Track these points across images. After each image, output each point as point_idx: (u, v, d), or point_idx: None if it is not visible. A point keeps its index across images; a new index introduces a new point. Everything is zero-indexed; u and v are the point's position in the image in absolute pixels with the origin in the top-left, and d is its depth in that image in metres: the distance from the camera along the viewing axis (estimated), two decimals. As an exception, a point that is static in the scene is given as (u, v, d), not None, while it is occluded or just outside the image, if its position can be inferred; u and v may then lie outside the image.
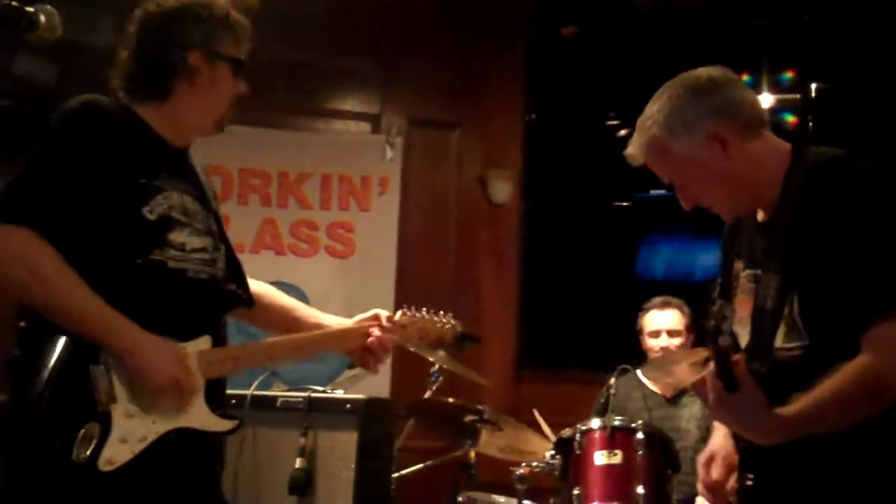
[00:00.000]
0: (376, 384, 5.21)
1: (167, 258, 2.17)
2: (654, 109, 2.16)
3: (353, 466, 3.29)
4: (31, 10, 1.83)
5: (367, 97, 6.05)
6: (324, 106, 6.04)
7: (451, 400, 4.08)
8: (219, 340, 2.26)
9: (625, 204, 6.25)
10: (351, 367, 5.20)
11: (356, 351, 2.52)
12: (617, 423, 3.66)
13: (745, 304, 2.12)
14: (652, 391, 4.44)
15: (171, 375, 2.08)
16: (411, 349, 2.77)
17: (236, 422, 2.24)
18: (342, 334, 2.50)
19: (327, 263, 5.54)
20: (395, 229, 5.68)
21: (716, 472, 2.30)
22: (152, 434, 2.10)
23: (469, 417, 3.89)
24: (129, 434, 2.05)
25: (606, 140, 6.39)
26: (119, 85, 2.29)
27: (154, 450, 2.09)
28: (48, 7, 1.86)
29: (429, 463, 4.12)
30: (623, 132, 6.42)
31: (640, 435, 3.57)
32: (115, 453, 2.03)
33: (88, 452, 1.99)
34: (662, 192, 6.12)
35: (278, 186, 5.46)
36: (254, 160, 5.36)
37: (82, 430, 2.00)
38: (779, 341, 1.96)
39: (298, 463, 3.29)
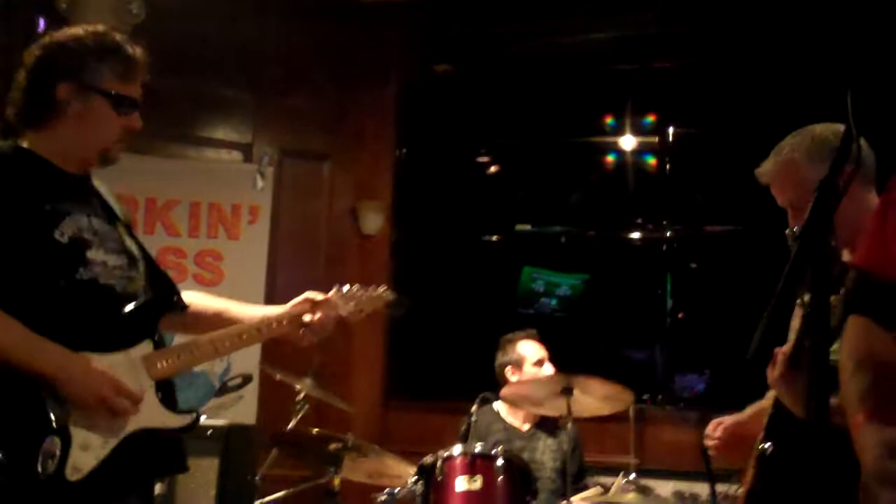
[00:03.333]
0: (242, 412, 5.16)
1: (96, 275, 2.25)
2: (796, 139, 2.42)
3: (213, 493, 3.25)
4: None
5: (240, 126, 6.02)
6: (195, 133, 5.98)
7: (314, 430, 4.06)
8: (159, 344, 2.35)
9: (493, 238, 6.35)
10: (217, 394, 5.17)
11: (295, 334, 2.60)
12: (477, 449, 3.72)
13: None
14: (510, 424, 4.51)
15: (98, 396, 2.12)
16: (352, 320, 2.79)
17: (192, 415, 2.31)
18: (280, 318, 2.55)
19: (194, 291, 5.45)
20: (264, 258, 5.65)
21: (718, 432, 2.76)
22: (108, 443, 2.15)
23: (333, 445, 3.89)
24: (89, 441, 2.10)
25: (476, 175, 6.51)
26: (11, 117, 2.37)
27: (120, 452, 2.15)
28: None
29: (291, 490, 4.09)
30: (493, 169, 6.55)
31: (500, 461, 3.64)
32: (80, 461, 2.08)
33: (54, 466, 2.03)
34: (528, 227, 6.33)
35: (145, 212, 5.37)
36: (121, 185, 5.23)
37: (42, 446, 2.04)
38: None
39: (158, 488, 3.23)
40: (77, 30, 2.38)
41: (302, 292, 5.99)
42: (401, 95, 6.26)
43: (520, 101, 6.30)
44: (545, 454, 4.38)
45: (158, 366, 2.27)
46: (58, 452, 2.04)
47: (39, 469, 2.00)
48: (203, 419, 3.71)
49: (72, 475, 2.05)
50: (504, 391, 4.31)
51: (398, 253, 6.16)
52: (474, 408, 4.22)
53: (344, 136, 6.12)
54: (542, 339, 4.60)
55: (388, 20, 6.07)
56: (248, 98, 6.01)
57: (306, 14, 5.89)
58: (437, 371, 6.00)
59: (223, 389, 5.08)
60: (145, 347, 2.27)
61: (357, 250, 6.04)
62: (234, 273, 5.54)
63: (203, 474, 3.32)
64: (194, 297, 2.60)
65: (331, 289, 6.01)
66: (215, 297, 2.67)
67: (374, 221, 6.02)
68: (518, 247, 6.35)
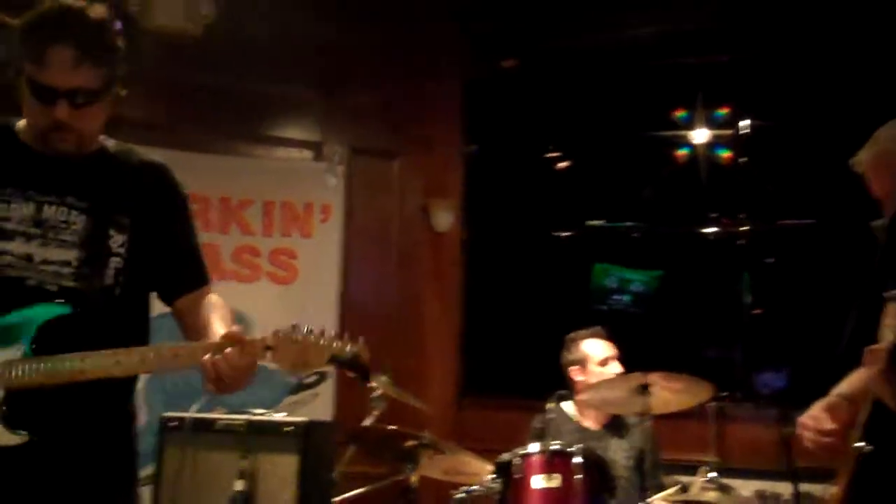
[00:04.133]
0: (318, 409, 5.21)
1: (3, 266, 2.16)
2: (893, 130, 2.43)
3: (293, 489, 3.28)
4: None
5: (310, 125, 6.07)
6: (267, 133, 6.04)
7: (391, 427, 4.08)
8: (51, 350, 2.11)
9: (565, 234, 6.32)
10: (293, 392, 5.22)
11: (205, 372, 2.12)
12: (555, 447, 3.70)
13: None
14: (581, 424, 4.47)
15: None
16: (288, 373, 2.32)
17: (24, 436, 2.08)
18: (192, 350, 2.12)
19: (269, 289, 5.53)
20: (337, 256, 5.69)
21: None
22: None
23: (410, 443, 3.90)
24: None
25: (546, 171, 6.48)
26: None
27: None
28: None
29: (370, 487, 4.12)
30: (563, 164, 6.51)
31: (577, 459, 3.62)
32: None
33: None
34: (600, 223, 6.28)
35: (220, 211, 5.44)
36: (195, 185, 5.31)
37: None
38: None
39: (238, 486, 3.26)
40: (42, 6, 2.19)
41: (375, 289, 6.08)
42: (469, 92, 6.26)
43: (589, 96, 6.25)
44: (617, 453, 4.34)
45: (12, 374, 2.09)
46: None
47: None
48: (281, 416, 3.76)
49: None
50: (579, 393, 4.29)
51: (469, 250, 6.16)
52: (550, 405, 4.20)
53: (413, 134, 6.14)
54: (614, 337, 4.55)
55: (455, 16, 6.07)
56: (318, 96, 6.06)
57: (375, 11, 5.91)
58: (509, 369, 5.99)
59: (299, 387, 5.13)
60: (14, 353, 2.10)
61: (429, 248, 6.06)
62: (308, 271, 5.59)
63: (283, 471, 3.35)
64: (208, 303, 2.37)
65: (404, 287, 6.03)
66: (228, 308, 2.37)
67: (445, 219, 6.03)
68: (590, 243, 6.30)
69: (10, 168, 2.23)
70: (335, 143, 5.96)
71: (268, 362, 2.06)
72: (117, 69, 2.23)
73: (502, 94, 6.37)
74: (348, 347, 2.10)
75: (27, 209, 2.20)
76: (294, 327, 2.08)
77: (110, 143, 2.38)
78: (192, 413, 3.47)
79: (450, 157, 6.22)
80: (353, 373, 2.12)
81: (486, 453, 4.07)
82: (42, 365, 2.09)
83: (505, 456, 3.73)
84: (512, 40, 6.33)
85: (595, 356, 4.45)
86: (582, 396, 4.31)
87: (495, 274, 6.19)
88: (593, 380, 4.37)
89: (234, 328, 2.13)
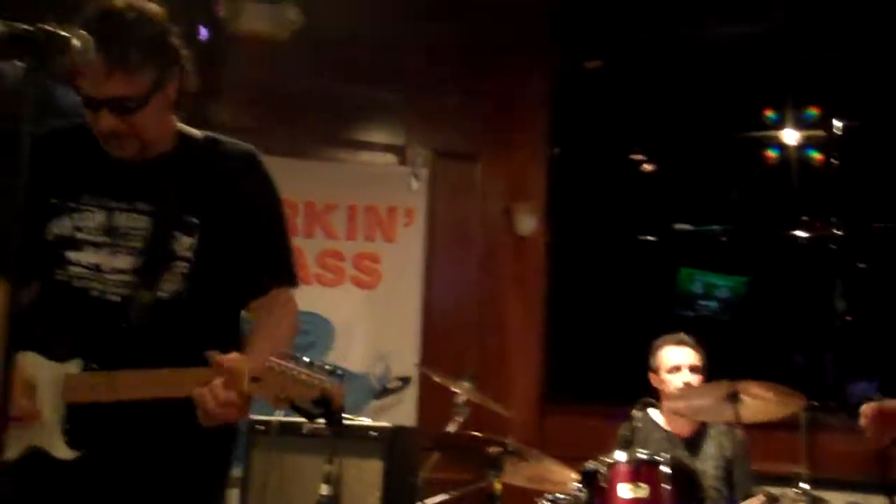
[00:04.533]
0: (402, 414, 5.23)
1: (71, 277, 2.14)
2: None
3: (377, 494, 3.29)
4: (66, 34, 1.80)
5: (393, 128, 6.10)
6: (350, 136, 6.09)
7: (474, 433, 4.07)
8: (110, 364, 2.08)
9: (650, 237, 6.24)
10: (377, 396, 5.25)
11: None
12: (642, 456, 3.65)
13: None
14: (669, 431, 4.40)
15: None
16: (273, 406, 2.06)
17: (77, 453, 2.07)
18: (177, 379, 2.01)
19: (353, 294, 5.56)
20: (420, 260, 5.70)
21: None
22: (19, 447, 2.09)
23: (493, 449, 3.89)
24: (9, 442, 2.04)
25: (632, 173, 6.41)
26: None
27: (21, 463, 2.08)
28: (82, 31, 1.84)
29: (453, 494, 4.11)
30: (648, 166, 6.44)
31: (665, 469, 3.56)
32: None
33: None
34: (687, 226, 6.19)
35: (304, 216, 5.50)
36: (281, 190, 5.37)
37: None
38: None
39: (324, 490, 3.29)
40: None
41: (458, 294, 6.08)
42: (552, 93, 6.22)
43: (676, 96, 6.17)
44: (706, 462, 4.26)
45: (75, 391, 2.07)
46: None
47: None
48: (366, 421, 3.79)
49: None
50: (666, 401, 4.23)
51: (553, 254, 6.12)
52: (637, 413, 4.15)
53: (496, 137, 6.13)
54: (700, 344, 4.45)
55: (539, 17, 6.04)
56: (401, 100, 6.08)
57: (457, 14, 5.92)
58: (594, 374, 5.93)
59: (383, 392, 5.16)
60: (73, 366, 2.09)
61: (512, 251, 6.04)
62: (392, 275, 5.62)
63: (368, 476, 3.38)
64: (269, 309, 2.25)
65: (486, 291, 6.01)
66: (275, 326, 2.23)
67: (528, 222, 6.01)
68: (676, 247, 6.22)
69: (86, 174, 2.20)
70: (419, 146, 5.98)
71: (253, 393, 1.94)
72: (165, 70, 2.14)
73: (587, 95, 6.33)
74: (318, 386, 1.91)
75: (100, 217, 2.17)
76: (287, 358, 1.96)
77: (196, 135, 2.29)
78: (278, 416, 3.50)
79: (533, 160, 6.18)
80: (320, 418, 1.97)
81: (570, 461, 4.03)
82: (97, 388, 2.05)
83: (590, 464, 3.68)
84: (598, 40, 6.28)
85: (666, 363, 4.37)
86: (668, 404, 4.24)
87: (579, 278, 6.15)
88: (665, 388, 4.30)
89: (228, 356, 1.97)
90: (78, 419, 2.08)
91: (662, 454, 3.67)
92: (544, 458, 3.99)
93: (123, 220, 2.17)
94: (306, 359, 1.96)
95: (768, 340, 5.94)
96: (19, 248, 1.96)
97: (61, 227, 2.16)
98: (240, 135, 2.37)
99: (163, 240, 2.15)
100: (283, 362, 1.91)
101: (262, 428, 3.53)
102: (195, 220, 2.18)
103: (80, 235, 2.16)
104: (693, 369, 4.32)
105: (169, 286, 2.14)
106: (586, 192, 6.32)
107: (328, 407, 1.91)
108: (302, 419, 3.66)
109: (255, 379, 1.92)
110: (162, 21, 2.16)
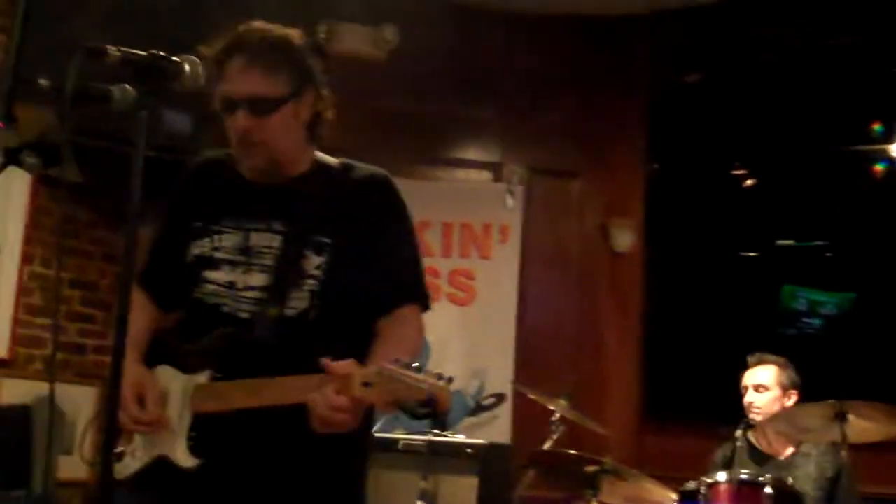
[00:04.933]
0: (496, 431, 5.23)
1: (205, 295, 2.23)
2: None
3: (473, 512, 3.29)
4: (177, 59, 1.90)
5: (489, 145, 6.14)
6: (445, 154, 6.14)
7: (572, 451, 4.05)
8: (236, 376, 2.13)
9: (752, 254, 6.13)
10: (472, 413, 5.27)
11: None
12: (744, 476, 3.58)
13: None
14: (762, 452, 4.29)
15: (125, 409, 2.12)
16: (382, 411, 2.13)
17: (197, 461, 2.12)
18: (291, 385, 2.03)
19: (448, 311, 5.60)
20: (515, 277, 5.71)
21: None
22: (145, 457, 2.19)
23: (590, 468, 3.86)
24: (137, 451, 2.18)
25: (732, 189, 6.31)
26: None
27: (147, 473, 2.17)
28: (192, 56, 1.93)
29: (549, 512, 4.10)
30: (749, 182, 6.33)
31: (768, 490, 3.49)
32: (123, 468, 2.17)
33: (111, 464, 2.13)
34: (790, 242, 6.07)
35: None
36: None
37: (119, 446, 2.18)
38: None
39: (419, 505, 3.30)
40: None
41: (554, 311, 6.07)
42: (650, 109, 6.18)
43: (776, 110, 6.06)
44: (806, 483, 4.14)
45: (198, 403, 2.15)
46: (119, 453, 2.16)
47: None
48: (461, 437, 3.81)
49: (118, 474, 2.13)
50: (765, 419, 4.15)
51: (651, 271, 6.06)
52: (738, 432, 4.07)
53: (592, 153, 6.11)
54: (790, 361, 4.35)
55: (634, 33, 6.02)
56: (496, 117, 6.12)
57: (551, 31, 5.93)
58: (693, 393, 5.84)
59: (477, 409, 5.17)
60: (203, 377, 2.16)
61: (609, 269, 6.01)
62: (487, 292, 5.64)
63: (463, 492, 3.38)
64: (393, 327, 2.25)
65: (583, 309, 5.98)
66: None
67: (625, 239, 5.97)
68: (778, 263, 6.10)
69: (227, 198, 2.29)
70: (514, 163, 6.00)
71: (363, 398, 1.94)
72: (301, 83, 2.23)
73: (686, 109, 6.26)
74: (422, 388, 1.88)
75: (237, 237, 2.24)
76: (396, 363, 1.92)
77: (332, 161, 2.36)
78: (373, 433, 3.54)
79: (631, 176, 6.15)
80: (425, 419, 1.96)
81: (668, 481, 3.99)
82: (224, 397, 2.10)
83: (690, 484, 3.63)
84: (695, 55, 6.22)
85: (754, 380, 4.30)
86: (769, 423, 4.15)
87: (678, 295, 6.07)
88: (754, 405, 4.22)
89: (340, 363, 1.97)
90: (202, 428, 2.15)
91: (767, 475, 3.60)
92: (643, 478, 3.95)
93: (258, 239, 2.24)
94: (415, 364, 1.90)
95: (876, 359, 5.76)
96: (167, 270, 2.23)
97: (201, 247, 2.25)
98: (335, 154, 2.42)
99: (293, 258, 2.20)
100: (393, 367, 1.91)
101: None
102: (326, 240, 2.22)
103: (217, 255, 2.24)
104: (759, 388, 4.24)
105: (297, 303, 2.19)
106: (685, 207, 6.25)
107: (434, 408, 1.90)
108: (397, 436, 3.72)
109: (366, 384, 1.93)
110: (301, 43, 2.26)
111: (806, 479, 4.14)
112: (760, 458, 4.24)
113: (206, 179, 2.35)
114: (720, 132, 6.21)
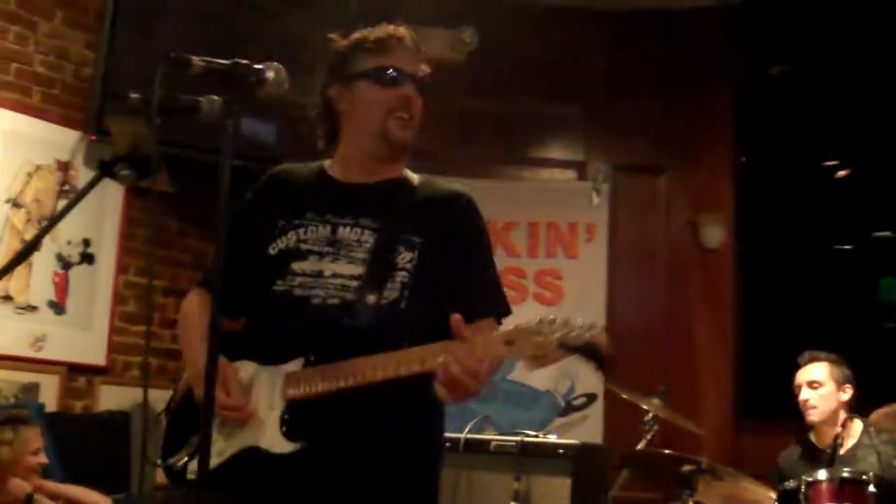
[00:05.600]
0: (588, 431, 5.20)
1: (293, 286, 2.27)
2: None
3: (566, 513, 3.28)
4: (260, 67, 1.94)
5: (572, 144, 6.11)
6: (529, 154, 6.14)
7: (666, 450, 4.01)
8: (330, 361, 2.17)
9: (847, 247, 6.00)
10: (562, 413, 5.25)
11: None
12: (846, 475, 3.50)
13: None
14: (821, 450, 4.18)
15: (221, 404, 2.15)
16: (528, 366, 2.02)
17: (296, 445, 2.15)
18: (421, 354, 2.05)
19: (536, 311, 5.54)
20: (603, 276, 5.67)
21: None
22: (227, 451, 2.21)
23: (686, 468, 3.81)
24: (218, 446, 2.20)
25: (825, 180, 6.18)
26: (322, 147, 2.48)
27: (230, 466, 2.20)
28: (275, 63, 1.97)
29: (645, 513, 4.06)
30: (842, 172, 6.20)
31: (871, 488, 3.41)
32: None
33: (183, 461, 2.22)
34: (887, 234, 5.91)
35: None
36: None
37: (188, 443, 2.24)
38: None
39: (512, 508, 3.30)
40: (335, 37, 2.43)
41: (643, 310, 6.00)
42: (737, 101, 6.09)
43: (867, 98, 5.92)
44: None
45: (292, 389, 2.18)
46: (191, 450, 2.22)
47: (174, 461, 2.23)
48: (553, 437, 3.79)
49: (189, 473, 2.21)
50: (873, 416, 4.06)
51: (743, 266, 5.97)
52: (838, 430, 3.99)
53: (679, 148, 6.05)
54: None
55: (719, 24, 5.93)
56: (579, 115, 6.09)
57: (633, 25, 5.88)
58: (790, 388, 5.73)
59: (568, 409, 5.15)
60: (295, 365, 2.19)
61: (698, 265, 5.94)
62: (574, 292, 5.61)
63: (556, 493, 3.37)
64: None
65: (673, 307, 5.89)
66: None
67: (715, 234, 5.89)
68: (875, 256, 5.96)
69: (312, 196, 2.37)
70: (599, 161, 5.97)
71: (506, 356, 1.94)
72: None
73: (775, 100, 6.15)
74: (584, 334, 1.89)
75: (323, 230, 2.30)
76: (539, 321, 1.92)
77: (413, 176, 2.45)
78: (465, 434, 3.55)
79: (720, 170, 6.07)
80: (589, 360, 1.94)
81: (767, 479, 3.93)
82: (318, 381, 2.14)
83: (790, 483, 3.57)
84: (781, 44, 6.11)
85: (808, 377, 4.23)
86: (873, 416, 4.06)
87: (771, 290, 5.97)
88: (808, 402, 4.17)
89: (471, 327, 2.01)
90: (296, 413, 2.18)
91: (868, 473, 3.51)
92: (740, 477, 3.89)
93: (347, 233, 2.30)
94: (549, 318, 1.89)
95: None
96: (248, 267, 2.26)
97: (286, 241, 2.31)
98: (418, 157, 2.48)
99: (388, 250, 2.27)
100: (527, 324, 1.90)
101: (449, 445, 3.58)
102: (416, 239, 2.30)
103: (304, 246, 2.30)
104: (812, 385, 4.18)
105: (390, 293, 2.25)
106: (776, 200, 6.14)
107: (596, 353, 1.90)
108: (489, 437, 3.71)
109: (508, 342, 1.93)
110: None
111: (870, 469, 4.04)
112: (819, 456, 4.14)
113: (284, 183, 2.42)
114: (810, 123, 6.09)
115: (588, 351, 1.88)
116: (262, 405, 2.21)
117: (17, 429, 3.82)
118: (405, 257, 2.28)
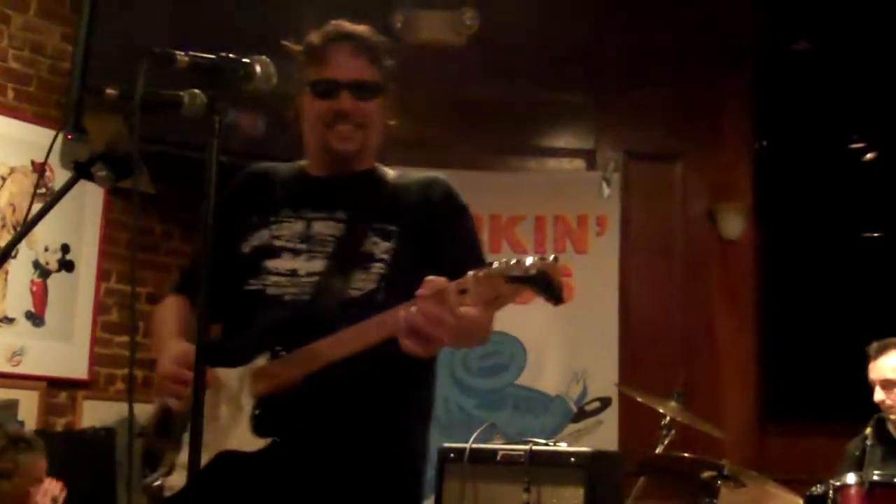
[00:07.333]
0: (602, 437, 5.23)
1: (265, 285, 2.33)
2: None
3: (579, 524, 3.31)
4: (248, 61, 1.99)
5: (581, 132, 6.13)
6: (535, 143, 6.15)
7: (686, 455, 4.04)
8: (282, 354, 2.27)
9: (875, 234, 6.02)
10: (575, 419, 5.28)
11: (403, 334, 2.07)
12: (876, 478, 3.53)
13: None
14: None
15: (164, 373, 2.23)
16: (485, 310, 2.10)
17: (267, 441, 2.20)
18: (381, 318, 2.12)
19: (544, 310, 5.55)
20: (615, 272, 5.69)
21: None
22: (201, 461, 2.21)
23: (707, 473, 3.85)
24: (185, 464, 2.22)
25: (850, 165, 6.19)
26: None
27: (205, 475, 2.13)
28: (263, 57, 2.02)
29: (664, 522, 4.09)
30: (870, 155, 6.21)
31: (904, 492, 3.44)
32: (178, 480, 2.22)
33: (158, 481, 2.26)
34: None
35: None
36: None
37: (162, 461, 2.28)
38: None
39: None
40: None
41: (659, 306, 6.04)
42: (756, 82, 6.11)
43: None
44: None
45: (259, 384, 2.23)
46: (168, 468, 2.26)
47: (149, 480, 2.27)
48: (564, 446, 3.82)
49: (166, 492, 2.24)
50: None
51: (765, 258, 6.00)
52: (868, 430, 4.01)
53: (695, 133, 6.07)
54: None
55: (734, 2, 5.95)
56: (588, 101, 6.11)
57: (642, 4, 5.90)
58: (817, 389, 5.76)
59: (580, 414, 5.18)
60: (261, 361, 2.24)
61: (717, 257, 5.96)
62: (585, 289, 5.59)
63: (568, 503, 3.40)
64: None
65: (691, 302, 5.91)
66: None
67: (735, 224, 5.91)
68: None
69: (284, 192, 2.45)
70: (609, 149, 5.99)
71: (465, 306, 1.98)
72: (389, 78, 2.43)
73: (796, 82, 6.16)
74: (534, 266, 1.92)
75: (297, 226, 2.38)
76: (489, 263, 1.98)
77: (387, 170, 2.52)
78: (471, 443, 3.58)
79: (738, 156, 6.09)
80: (540, 293, 1.96)
81: (793, 484, 3.96)
82: (281, 369, 2.20)
83: (818, 488, 3.61)
84: (802, 21, 6.13)
85: (880, 375, 4.17)
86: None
87: (796, 283, 5.99)
88: (886, 402, 4.10)
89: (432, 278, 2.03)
90: (266, 409, 2.23)
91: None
92: (765, 482, 3.92)
93: (320, 227, 2.38)
94: (503, 260, 1.95)
95: None
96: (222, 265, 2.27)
97: (260, 238, 2.39)
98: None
99: (356, 241, 2.34)
100: (482, 269, 1.97)
101: (454, 455, 3.61)
102: (392, 227, 2.37)
103: (277, 243, 2.37)
104: (887, 385, 4.13)
105: (363, 284, 2.31)
106: (799, 187, 6.15)
107: (548, 284, 1.93)
108: (496, 446, 3.74)
109: (462, 291, 1.98)
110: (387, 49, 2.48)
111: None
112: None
113: (261, 180, 2.50)
114: (835, 102, 6.11)
115: (540, 282, 1.92)
116: (231, 407, 2.25)
117: (17, 457, 3.64)
118: (381, 247, 2.35)
